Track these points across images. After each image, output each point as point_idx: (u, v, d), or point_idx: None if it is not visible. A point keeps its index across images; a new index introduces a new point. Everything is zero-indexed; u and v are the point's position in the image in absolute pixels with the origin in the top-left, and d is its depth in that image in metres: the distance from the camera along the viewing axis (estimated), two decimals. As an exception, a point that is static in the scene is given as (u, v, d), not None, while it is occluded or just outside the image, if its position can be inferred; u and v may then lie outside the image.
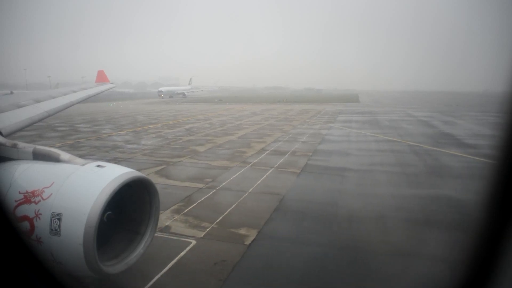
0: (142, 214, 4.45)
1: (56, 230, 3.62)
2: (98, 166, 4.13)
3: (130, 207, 4.42)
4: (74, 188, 3.82)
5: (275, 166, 16.74)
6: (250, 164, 17.15)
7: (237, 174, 15.30)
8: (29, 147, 4.61)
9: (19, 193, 3.88)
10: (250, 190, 12.84)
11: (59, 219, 3.63)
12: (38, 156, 4.51)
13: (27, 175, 4.17)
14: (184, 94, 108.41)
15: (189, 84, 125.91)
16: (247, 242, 8.59)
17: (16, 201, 3.84)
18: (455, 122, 35.81)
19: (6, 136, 5.55)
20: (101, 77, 16.95)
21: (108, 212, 3.82)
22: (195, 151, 21.06)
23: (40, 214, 3.71)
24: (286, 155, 19.22)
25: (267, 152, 20.33)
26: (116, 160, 18.06)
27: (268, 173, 15.40)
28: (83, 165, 4.15)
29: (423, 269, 7.27)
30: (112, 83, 16.89)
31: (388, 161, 17.71)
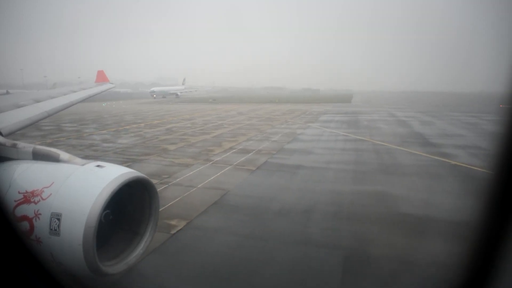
0: (141, 214, 4.46)
1: (55, 230, 3.63)
2: (98, 166, 4.14)
3: (129, 207, 4.43)
4: (74, 188, 3.85)
5: (235, 163, 17.43)
6: (212, 162, 17.85)
7: (195, 171, 16.00)
8: (28, 147, 4.60)
9: (19, 193, 3.91)
10: (199, 186, 13.54)
11: (58, 219, 3.64)
12: (38, 156, 4.50)
13: (27, 175, 4.19)
14: (177, 95, 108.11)
15: (183, 84, 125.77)
16: (173, 231, 9.29)
17: (15, 201, 3.86)
18: (432, 122, 36.48)
19: (6, 136, 5.61)
20: (101, 77, 17.11)
21: (107, 212, 3.84)
22: (166, 149, 21.76)
23: (40, 214, 3.72)
24: (250, 154, 19.91)
25: (234, 150, 21.02)
26: (86, 158, 18.78)
27: (224, 170, 16.10)
28: (83, 165, 4.16)
29: (323, 257, 7.95)
30: (112, 83, 16.97)
31: (345, 159, 18.38)
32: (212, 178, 14.68)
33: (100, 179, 3.85)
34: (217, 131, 30.31)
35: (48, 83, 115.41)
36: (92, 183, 3.84)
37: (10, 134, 5.93)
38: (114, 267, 4.06)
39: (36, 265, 2.38)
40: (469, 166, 16.49)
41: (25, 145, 4.63)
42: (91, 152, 21.08)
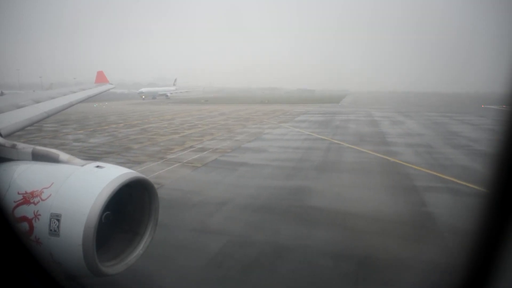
0: (141, 214, 4.49)
1: (55, 230, 3.62)
2: (98, 166, 4.15)
3: (129, 208, 4.45)
4: (73, 189, 3.85)
5: (185, 161, 18.43)
6: (164, 160, 18.85)
7: (144, 167, 16.98)
8: (28, 147, 4.60)
9: (18, 193, 3.91)
10: (138, 181, 14.51)
11: (58, 220, 3.63)
12: (37, 157, 4.49)
13: (26, 175, 4.19)
14: (166, 95, 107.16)
15: (174, 84, 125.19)
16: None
17: (15, 202, 3.86)
18: (402, 122, 37.43)
19: (5, 136, 5.63)
20: (101, 78, 17.43)
21: (107, 213, 3.83)
22: (129, 148, 22.78)
23: (39, 214, 3.72)
24: (205, 152, 20.90)
25: (192, 149, 22.01)
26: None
27: (171, 167, 17.09)
28: (83, 165, 4.18)
29: (206, 241, 8.93)
30: (111, 84, 17.36)
31: (292, 157, 19.35)
32: (155, 174, 15.68)
33: (99, 180, 3.88)
34: (188, 131, 31.31)
35: (44, 83, 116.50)
36: (92, 184, 3.86)
37: (10, 135, 6.03)
38: (114, 268, 4.07)
39: (36, 265, 2.40)
40: (404, 163, 17.42)
41: (25, 146, 4.66)
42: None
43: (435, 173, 15.38)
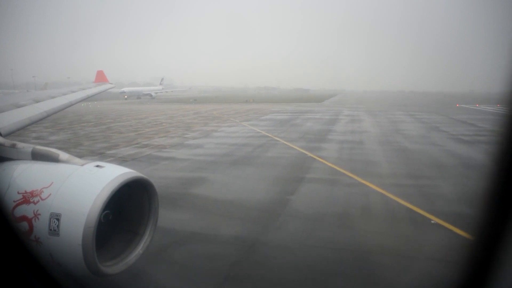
0: (141, 214, 4.52)
1: (55, 230, 3.64)
2: (97, 166, 4.17)
3: (129, 208, 4.47)
4: (73, 189, 3.88)
5: (119, 156, 20.02)
6: (102, 155, 20.46)
7: (76, 162, 18.60)
8: (28, 147, 4.61)
9: (18, 193, 3.93)
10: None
11: (58, 219, 3.65)
12: (37, 156, 4.50)
13: (26, 175, 4.20)
14: (151, 95, 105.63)
15: (160, 84, 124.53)
16: None
17: (14, 201, 3.88)
18: (362, 120, 38.97)
19: (5, 136, 5.67)
20: (100, 77, 17.86)
21: (107, 212, 3.86)
22: (80, 145, 24.46)
23: (39, 214, 3.74)
24: (146, 148, 22.47)
25: (137, 145, 23.57)
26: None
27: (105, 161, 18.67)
28: (82, 165, 4.18)
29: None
30: (111, 83, 17.58)
31: (219, 153, 20.87)
32: (81, 167, 17.26)
33: (99, 179, 3.91)
34: (148, 129, 32.92)
35: (38, 83, 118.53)
36: (92, 183, 3.88)
37: (10, 134, 6.16)
38: (114, 268, 4.11)
39: (36, 265, 2.41)
40: (317, 158, 18.89)
41: (24, 145, 4.68)
42: (11, 147, 23.78)
43: (335, 167, 16.81)
